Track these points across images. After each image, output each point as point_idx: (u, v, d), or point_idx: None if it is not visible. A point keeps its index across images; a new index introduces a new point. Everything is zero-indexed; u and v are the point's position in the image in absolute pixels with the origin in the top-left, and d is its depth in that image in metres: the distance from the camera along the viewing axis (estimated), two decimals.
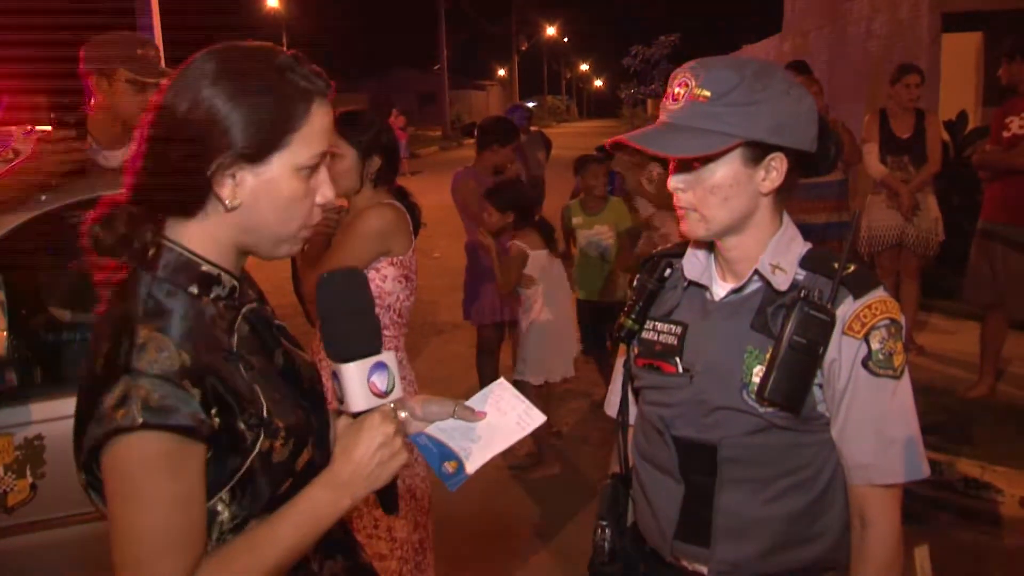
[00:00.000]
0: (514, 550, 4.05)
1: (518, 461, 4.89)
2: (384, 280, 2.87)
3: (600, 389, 5.86)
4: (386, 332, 2.92)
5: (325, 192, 1.35)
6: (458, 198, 5.36)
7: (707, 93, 1.51)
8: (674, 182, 1.59)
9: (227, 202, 1.27)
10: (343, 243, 2.87)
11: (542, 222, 4.83)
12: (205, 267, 1.31)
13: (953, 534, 4.02)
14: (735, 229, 1.60)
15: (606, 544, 1.83)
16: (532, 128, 11.05)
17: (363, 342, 1.37)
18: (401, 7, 66.11)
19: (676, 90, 1.56)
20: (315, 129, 1.30)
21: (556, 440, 5.15)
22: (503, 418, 1.59)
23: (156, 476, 1.19)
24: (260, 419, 1.28)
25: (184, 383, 1.19)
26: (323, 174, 1.35)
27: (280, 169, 1.29)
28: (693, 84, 1.53)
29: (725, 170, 1.55)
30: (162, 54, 3.58)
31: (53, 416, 2.63)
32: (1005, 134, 5.08)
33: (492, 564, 3.95)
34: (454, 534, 4.18)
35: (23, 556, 2.65)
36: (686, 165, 1.57)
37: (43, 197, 2.75)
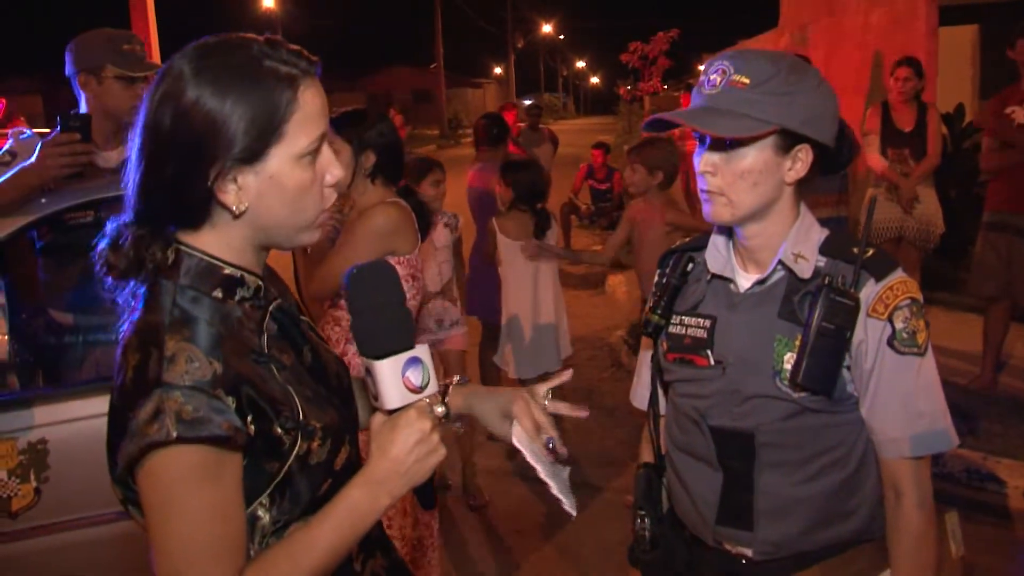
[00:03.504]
0: (518, 548, 4.05)
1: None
2: None
3: (603, 385, 5.87)
4: None
5: (334, 172, 1.32)
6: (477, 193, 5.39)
7: (746, 80, 1.55)
8: (704, 164, 1.62)
9: (233, 208, 1.25)
10: (347, 242, 2.86)
11: (541, 212, 4.79)
12: (228, 270, 1.29)
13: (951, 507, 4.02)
14: (758, 216, 1.65)
15: (646, 532, 1.86)
16: (540, 126, 11.08)
17: (396, 337, 1.34)
18: (397, 5, 66.13)
19: (712, 76, 1.59)
20: (308, 113, 1.26)
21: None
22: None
23: (194, 488, 1.18)
24: (296, 422, 1.27)
25: (217, 392, 1.18)
26: (327, 155, 1.32)
27: (280, 162, 1.25)
28: (732, 71, 1.57)
29: (756, 155, 1.59)
30: (158, 58, 3.56)
31: (56, 420, 2.62)
32: (1014, 122, 5.05)
33: (497, 562, 3.96)
34: (459, 533, 4.19)
35: (28, 561, 2.65)
36: (718, 147, 1.61)
37: (43, 200, 2.74)
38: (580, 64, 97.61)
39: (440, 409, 1.36)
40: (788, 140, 1.60)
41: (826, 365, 1.58)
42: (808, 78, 1.59)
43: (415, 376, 1.33)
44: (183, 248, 1.27)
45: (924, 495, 1.64)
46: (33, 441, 2.61)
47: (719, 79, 1.58)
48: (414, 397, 1.33)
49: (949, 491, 4.27)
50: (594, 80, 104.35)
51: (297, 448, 1.27)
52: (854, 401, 1.65)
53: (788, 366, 1.61)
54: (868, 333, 1.60)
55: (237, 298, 1.30)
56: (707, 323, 1.73)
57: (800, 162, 1.62)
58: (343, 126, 2.93)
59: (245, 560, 1.23)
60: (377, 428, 1.33)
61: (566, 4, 76.81)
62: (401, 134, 3.67)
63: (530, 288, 4.77)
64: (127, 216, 1.29)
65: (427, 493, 1.43)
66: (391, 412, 1.33)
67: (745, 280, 1.71)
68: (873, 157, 5.90)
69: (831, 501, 1.68)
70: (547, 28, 64.04)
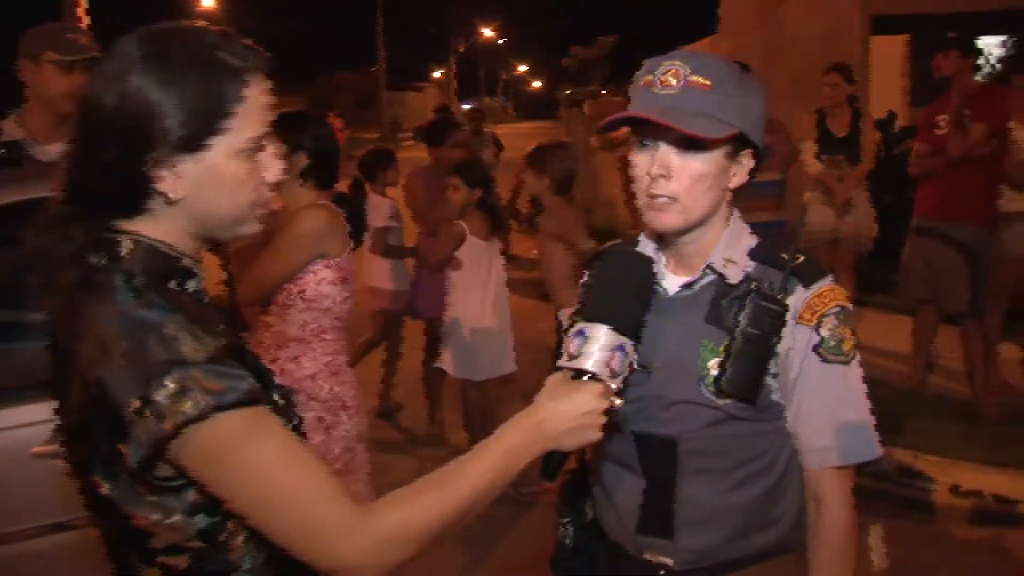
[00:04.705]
0: (438, 554, 4.02)
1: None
2: (321, 283, 2.83)
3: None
4: (326, 336, 2.89)
5: (274, 170, 1.31)
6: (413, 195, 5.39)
7: (706, 81, 1.51)
8: (658, 168, 1.54)
9: (169, 196, 1.22)
10: (277, 245, 2.82)
11: (493, 210, 4.76)
12: (183, 261, 1.27)
13: (888, 522, 4.10)
14: (701, 222, 1.61)
15: (568, 540, 1.84)
16: (483, 129, 11.07)
17: (629, 320, 1.42)
18: (338, 9, 65.65)
19: (664, 76, 1.53)
20: (253, 108, 1.25)
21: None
22: None
23: (255, 447, 1.16)
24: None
25: (230, 362, 1.16)
26: (269, 153, 1.30)
27: (220, 154, 1.23)
28: (687, 71, 1.51)
29: (713, 159, 1.55)
30: None
31: None
32: (937, 132, 5.20)
33: (418, 571, 3.92)
34: None
35: None
36: (677, 150, 1.54)
37: None
38: (521, 68, 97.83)
39: (618, 401, 1.40)
40: (736, 144, 1.57)
41: (751, 371, 1.56)
42: (752, 82, 1.57)
43: (618, 361, 1.39)
44: (139, 238, 1.24)
45: (846, 506, 1.62)
46: None
47: (675, 80, 1.51)
48: (607, 376, 1.38)
49: (881, 489, 4.36)
50: (534, 84, 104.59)
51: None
52: (779, 409, 1.63)
53: (713, 372, 1.58)
54: (796, 340, 1.58)
55: (190, 289, 1.28)
56: None
57: (743, 167, 1.61)
58: (278, 127, 2.89)
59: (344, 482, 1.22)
60: (557, 382, 1.38)
61: (507, 8, 76.94)
62: (340, 138, 3.65)
63: (487, 289, 4.72)
64: (62, 203, 1.25)
65: (558, 464, 1.43)
66: (578, 376, 1.37)
67: (673, 284, 1.68)
68: (809, 162, 6.01)
69: (755, 510, 1.65)
70: (488, 32, 64.10)
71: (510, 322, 4.86)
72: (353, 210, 3.04)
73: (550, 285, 4.46)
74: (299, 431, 1.31)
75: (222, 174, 1.24)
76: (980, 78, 5.73)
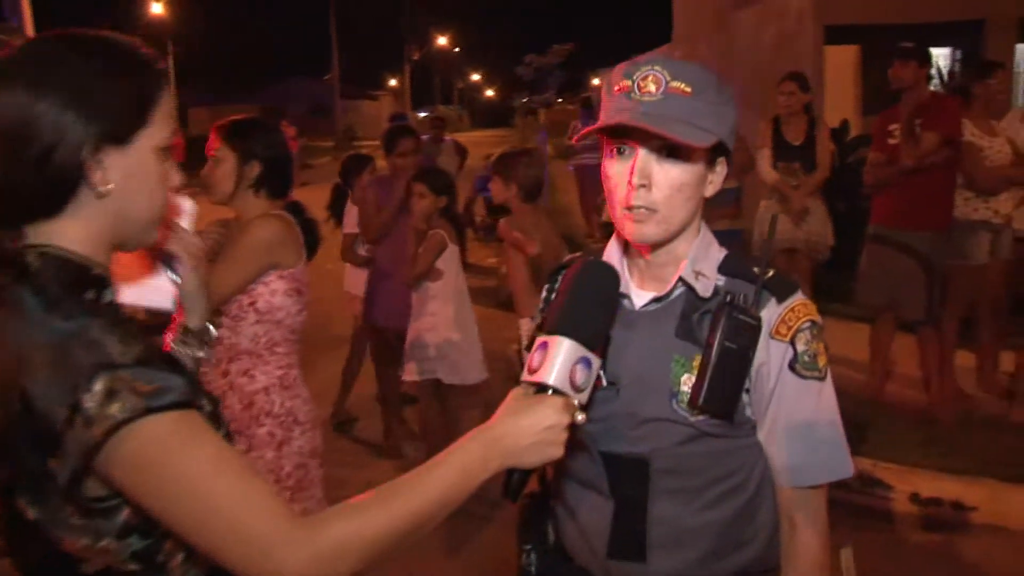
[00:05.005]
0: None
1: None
2: (273, 295, 2.75)
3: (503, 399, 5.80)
4: (278, 349, 2.81)
5: (174, 177, 1.31)
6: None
7: (687, 88, 1.46)
8: (638, 177, 1.48)
9: (99, 188, 1.18)
10: (229, 256, 2.74)
11: (456, 217, 4.74)
12: (96, 270, 1.22)
13: (850, 533, 4.11)
14: (678, 233, 1.56)
15: (532, 568, 1.77)
16: (445, 137, 11.04)
17: (593, 332, 1.37)
18: (293, 16, 65.32)
19: (643, 82, 1.47)
20: (167, 109, 1.26)
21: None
22: None
23: (188, 453, 1.11)
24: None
25: (159, 364, 1.12)
26: (171, 160, 1.29)
27: (145, 149, 1.23)
28: (668, 77, 1.46)
29: (694, 168, 1.51)
30: None
31: None
32: (891, 141, 5.24)
33: None
34: None
35: None
36: (657, 159, 1.49)
37: None
38: (475, 77, 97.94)
39: (582, 417, 1.34)
40: (713, 153, 1.53)
41: (728, 387, 1.51)
42: (728, 90, 1.54)
43: (581, 375, 1.33)
44: (47, 249, 1.19)
45: (820, 525, 1.58)
46: None
47: (655, 87, 1.46)
48: (569, 390, 1.32)
49: (841, 498, 4.34)
50: (489, 93, 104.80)
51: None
52: (752, 425, 1.58)
53: (686, 388, 1.52)
54: (770, 355, 1.54)
55: (106, 301, 1.23)
56: None
57: (718, 175, 1.56)
58: (229, 135, 2.82)
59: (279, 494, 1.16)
60: (517, 396, 1.33)
61: (462, 17, 77.04)
62: (293, 146, 3.57)
63: (461, 297, 4.72)
64: None
65: (520, 483, 1.36)
66: (540, 390, 1.32)
67: (640, 297, 1.62)
68: (765, 170, 6.03)
69: (729, 529, 1.59)
70: (443, 40, 64.09)
71: (475, 330, 4.88)
72: (308, 220, 2.97)
73: (514, 293, 4.42)
74: (228, 440, 1.24)
75: (147, 169, 1.24)
76: (931, 88, 5.79)
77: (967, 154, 5.23)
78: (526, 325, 4.26)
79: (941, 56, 11.09)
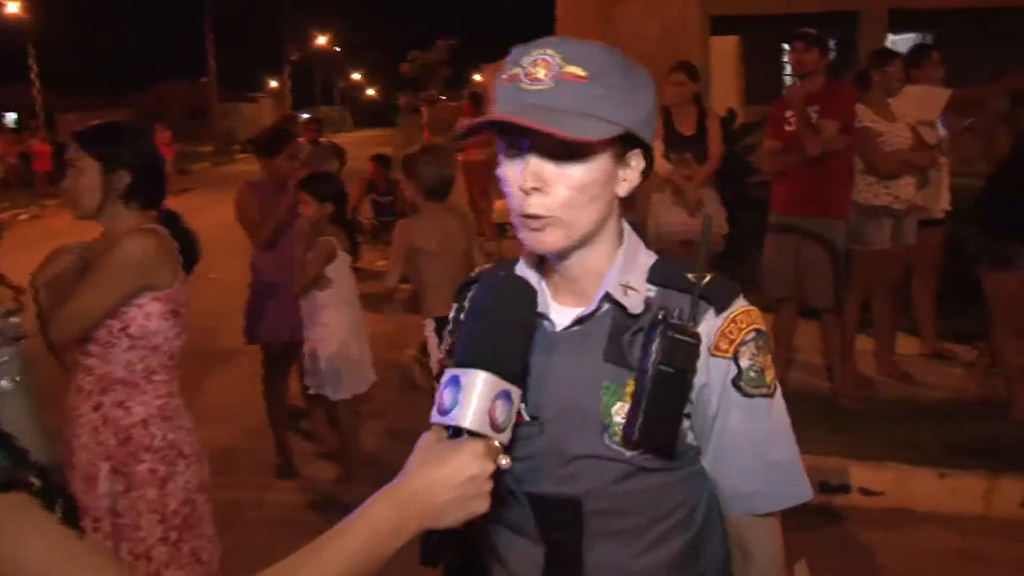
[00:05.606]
0: None
1: (325, 485, 4.67)
2: (148, 318, 2.49)
3: (400, 408, 5.60)
4: (156, 377, 2.55)
5: None
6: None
7: (583, 73, 1.25)
8: (531, 179, 1.28)
9: None
10: (96, 275, 2.46)
11: (349, 223, 4.57)
12: None
13: (800, 545, 4.08)
14: (587, 240, 1.35)
15: None
16: (322, 139, 10.69)
17: (510, 362, 1.18)
18: (167, 18, 63.32)
19: (533, 68, 1.26)
20: None
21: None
22: None
23: (17, 548, 0.92)
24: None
25: None
26: None
27: None
28: (560, 61, 1.25)
29: (597, 164, 1.29)
30: None
31: None
32: (787, 128, 5.23)
33: None
34: None
35: None
36: (549, 157, 1.28)
37: None
38: (357, 76, 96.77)
39: (506, 461, 1.15)
40: (623, 145, 1.32)
41: (667, 418, 1.31)
42: (641, 72, 1.33)
43: (502, 412, 1.16)
44: None
45: (775, 554, 1.44)
46: None
47: (545, 73, 1.25)
48: (489, 431, 1.14)
49: None
50: (371, 92, 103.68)
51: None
52: (695, 452, 1.41)
53: (618, 419, 1.33)
54: (711, 375, 1.36)
55: None
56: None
57: (632, 170, 1.36)
58: (92, 141, 2.53)
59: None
60: (429, 442, 1.12)
61: (342, 16, 76.00)
62: (169, 152, 3.28)
63: (353, 305, 4.57)
64: None
65: (440, 545, 1.18)
66: (455, 434, 1.12)
67: (562, 316, 1.40)
68: (657, 162, 5.96)
69: (676, 568, 1.42)
70: (322, 40, 63.07)
71: (366, 339, 4.75)
72: (185, 231, 2.70)
73: (419, 293, 4.30)
74: (69, 516, 1.02)
75: None
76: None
77: (865, 140, 5.28)
78: (430, 326, 4.11)
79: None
